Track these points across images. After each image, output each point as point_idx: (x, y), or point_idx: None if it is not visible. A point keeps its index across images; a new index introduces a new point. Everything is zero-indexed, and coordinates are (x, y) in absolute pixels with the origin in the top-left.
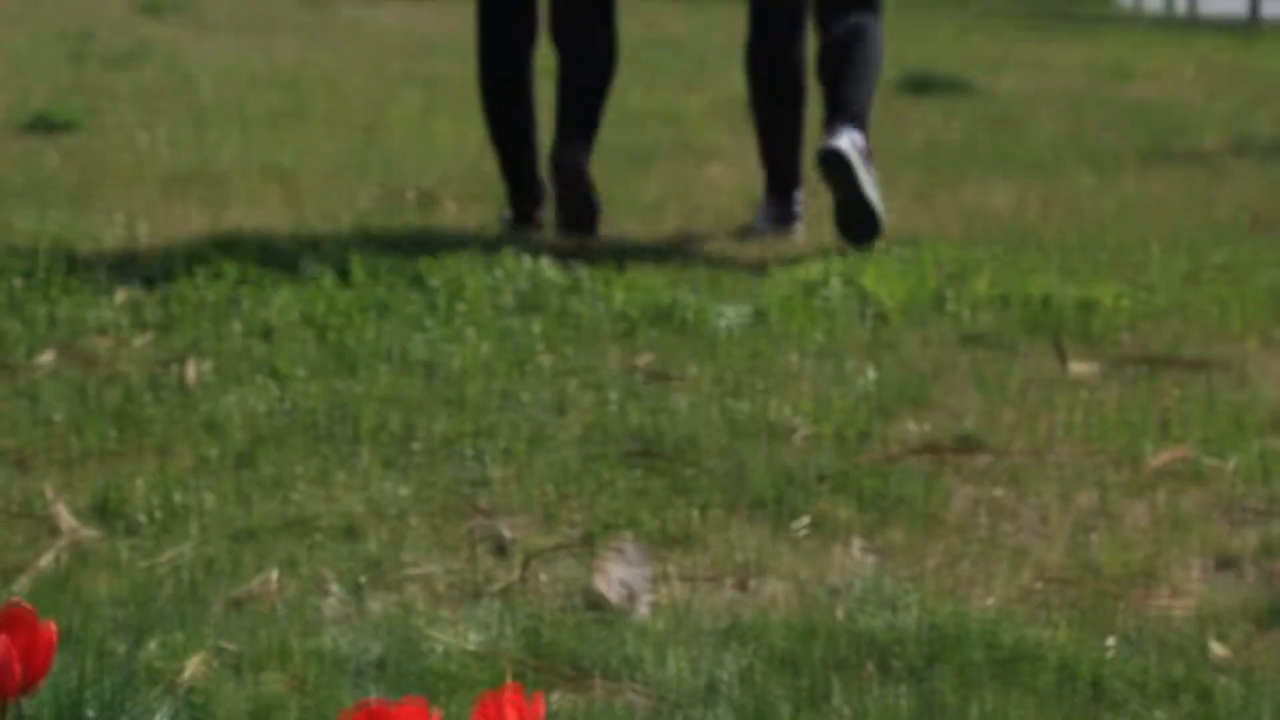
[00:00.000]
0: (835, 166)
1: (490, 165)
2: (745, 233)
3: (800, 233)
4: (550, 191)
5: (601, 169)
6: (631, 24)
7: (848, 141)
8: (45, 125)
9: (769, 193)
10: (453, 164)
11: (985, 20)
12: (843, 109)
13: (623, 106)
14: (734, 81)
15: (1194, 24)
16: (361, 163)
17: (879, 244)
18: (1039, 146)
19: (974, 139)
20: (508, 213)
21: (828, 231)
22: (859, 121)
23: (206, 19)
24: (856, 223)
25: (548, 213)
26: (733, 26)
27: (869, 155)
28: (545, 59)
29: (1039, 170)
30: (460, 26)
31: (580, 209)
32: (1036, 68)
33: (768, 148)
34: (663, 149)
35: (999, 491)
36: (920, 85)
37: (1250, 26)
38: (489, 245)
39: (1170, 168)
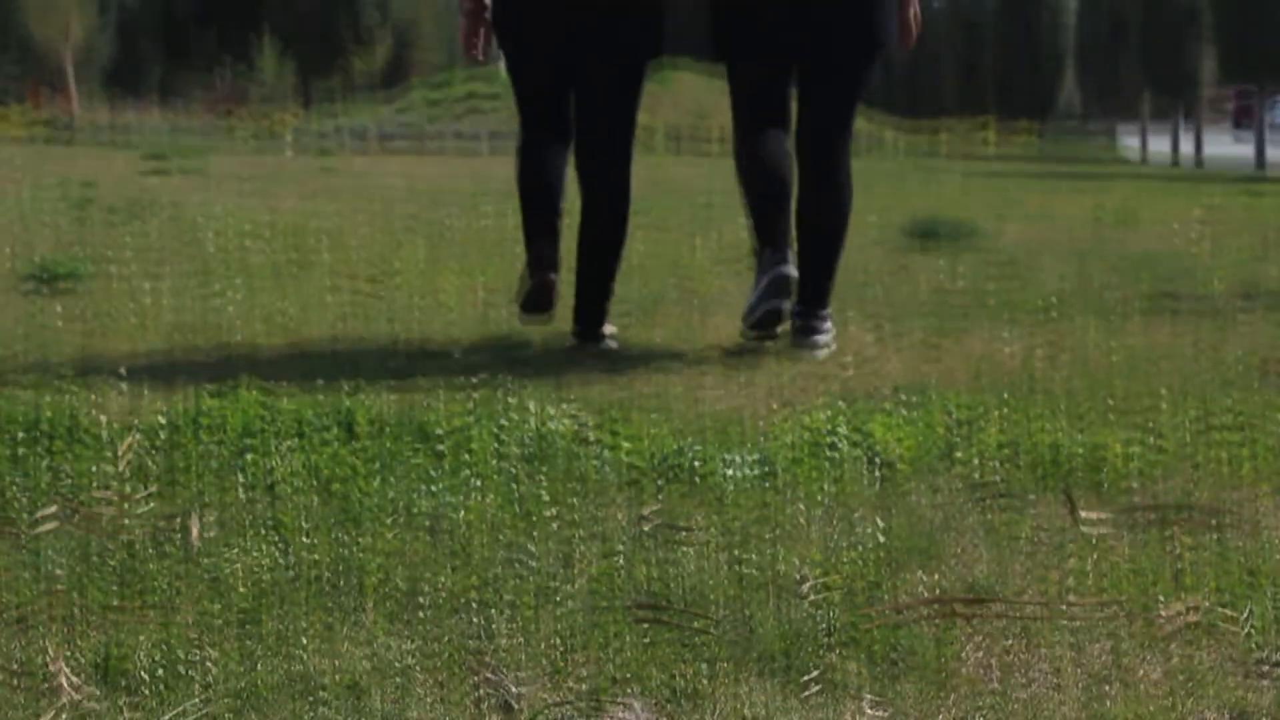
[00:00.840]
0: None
1: (495, 315)
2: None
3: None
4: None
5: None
6: (636, 173)
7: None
8: (48, 278)
9: (763, 248)
10: (458, 315)
11: (990, 170)
12: (819, 299)
13: (628, 255)
14: (737, 230)
15: (1200, 173)
16: (366, 314)
17: (886, 395)
18: (1045, 295)
19: (980, 288)
20: (526, 282)
21: (835, 380)
22: (828, 299)
23: (211, 172)
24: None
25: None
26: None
27: (828, 313)
28: None
29: (1046, 319)
30: (463, 179)
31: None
32: (1042, 217)
33: (760, 221)
34: (668, 298)
35: (1010, 645)
36: (926, 234)
37: (1256, 175)
38: (495, 397)
39: (1177, 316)
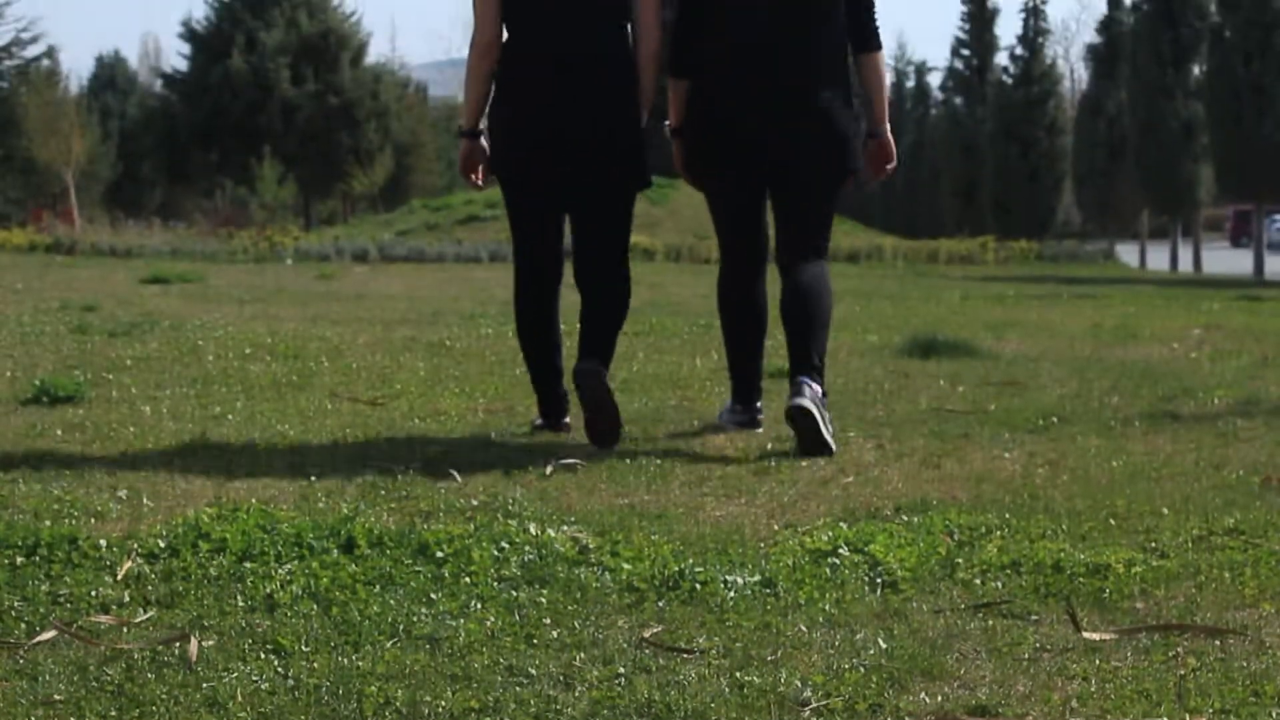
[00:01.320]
0: (801, 419)
1: (494, 432)
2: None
3: (761, 428)
4: (577, 402)
5: None
6: (636, 289)
7: (810, 400)
8: (48, 398)
9: (734, 402)
10: (458, 433)
11: (989, 285)
12: (805, 364)
13: (628, 371)
14: None
15: (1199, 284)
16: (366, 432)
17: (887, 511)
18: (1046, 409)
19: (981, 402)
20: (538, 420)
21: (835, 499)
22: (818, 372)
23: (210, 290)
24: (814, 452)
25: (573, 419)
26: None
27: (825, 397)
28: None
29: (1046, 433)
30: (463, 295)
31: (604, 413)
32: (1041, 330)
33: (735, 365)
34: (667, 414)
35: None
36: (926, 349)
37: (1256, 286)
38: (495, 515)
39: (1178, 429)
